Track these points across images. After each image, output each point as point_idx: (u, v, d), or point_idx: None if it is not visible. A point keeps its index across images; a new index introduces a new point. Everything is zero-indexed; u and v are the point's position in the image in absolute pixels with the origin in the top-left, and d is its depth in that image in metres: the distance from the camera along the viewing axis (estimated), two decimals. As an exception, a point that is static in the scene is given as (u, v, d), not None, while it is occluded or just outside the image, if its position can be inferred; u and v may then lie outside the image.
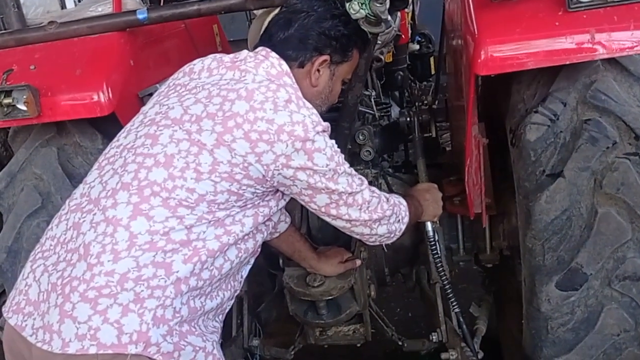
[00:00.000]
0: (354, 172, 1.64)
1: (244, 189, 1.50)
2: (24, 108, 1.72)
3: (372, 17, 1.75)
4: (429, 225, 2.08)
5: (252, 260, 1.68)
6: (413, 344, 2.19)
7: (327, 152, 1.54)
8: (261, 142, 1.47)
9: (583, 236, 1.63)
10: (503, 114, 1.93)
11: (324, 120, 2.40)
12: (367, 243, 1.84)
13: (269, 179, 1.52)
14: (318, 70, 1.67)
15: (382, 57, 1.99)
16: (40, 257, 1.48)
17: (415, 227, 2.33)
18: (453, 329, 2.07)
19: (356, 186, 1.62)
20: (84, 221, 1.44)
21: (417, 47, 3.51)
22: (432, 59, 3.65)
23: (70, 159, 1.95)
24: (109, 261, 1.38)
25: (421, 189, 2.09)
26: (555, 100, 1.68)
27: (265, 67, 1.58)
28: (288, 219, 1.94)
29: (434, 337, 2.12)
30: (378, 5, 1.72)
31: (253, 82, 1.53)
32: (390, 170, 2.49)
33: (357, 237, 1.78)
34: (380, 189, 2.33)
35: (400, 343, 2.20)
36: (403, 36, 2.82)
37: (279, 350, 2.28)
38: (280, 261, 2.18)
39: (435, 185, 2.14)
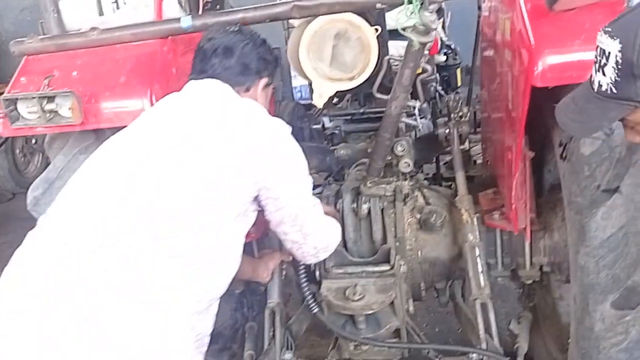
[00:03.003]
0: None
1: (238, 194, 1.55)
2: (68, 114, 1.69)
3: (421, 26, 1.73)
4: None
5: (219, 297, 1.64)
6: (450, 361, 2.13)
7: (300, 154, 1.68)
8: (248, 145, 1.56)
9: (640, 254, 1.58)
10: (550, 127, 1.89)
11: (366, 131, 2.39)
12: (301, 260, 1.92)
13: (258, 179, 1.57)
14: (261, 93, 1.81)
15: (428, 67, 1.96)
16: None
17: (452, 242, 2.30)
18: (495, 347, 2.02)
19: (315, 199, 1.75)
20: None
21: (443, 58, 3.49)
22: (458, 71, 3.64)
23: (108, 166, 1.91)
24: None
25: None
26: (610, 114, 1.64)
27: (218, 89, 1.69)
28: None
29: (473, 356, 2.06)
30: (428, 14, 1.70)
31: (216, 101, 1.65)
32: (425, 182, 2.46)
33: (297, 253, 1.83)
34: (416, 201, 2.32)
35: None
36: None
37: (312, 364, 2.24)
38: (317, 273, 2.14)
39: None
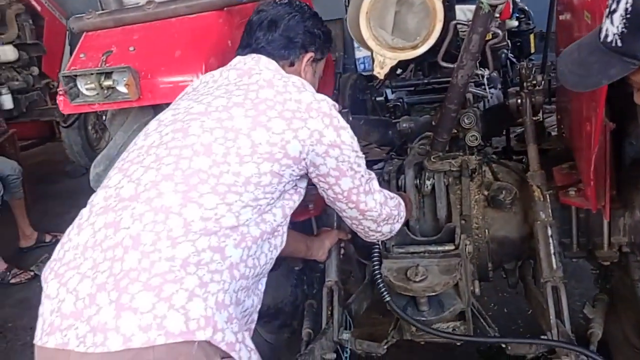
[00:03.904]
0: None
1: (284, 170, 1.51)
2: (125, 90, 1.68)
3: (491, -12, 1.60)
4: None
5: (266, 274, 1.62)
6: (518, 347, 2.00)
7: (349, 130, 1.61)
8: (295, 120, 1.52)
9: None
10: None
11: (430, 103, 2.29)
12: (365, 239, 1.90)
13: (304, 157, 1.54)
14: (305, 68, 1.75)
15: (498, 32, 1.82)
16: (66, 269, 1.36)
17: (523, 220, 2.17)
18: (566, 333, 1.89)
19: (368, 174, 1.69)
20: (121, 218, 1.36)
21: (515, 23, 3.29)
22: (531, 37, 3.42)
23: (167, 142, 1.91)
24: (167, 247, 1.31)
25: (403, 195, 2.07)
26: None
27: (263, 64, 1.65)
28: None
29: None
30: (498, -26, 1.56)
31: (264, 73, 1.61)
32: (494, 156, 2.32)
33: (360, 231, 1.83)
34: (484, 177, 2.20)
35: (504, 345, 2.03)
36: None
37: (371, 344, 2.16)
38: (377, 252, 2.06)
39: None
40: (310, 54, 1.75)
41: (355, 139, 1.64)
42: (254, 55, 1.67)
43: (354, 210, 1.71)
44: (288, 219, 1.62)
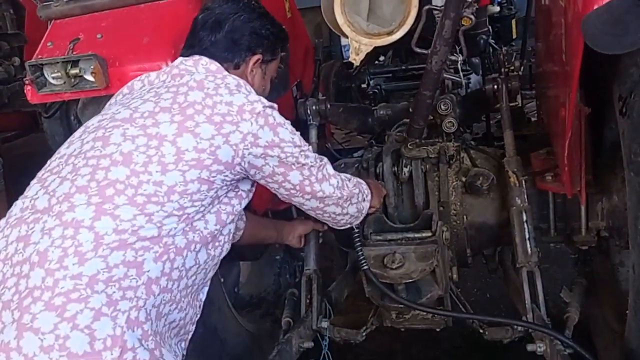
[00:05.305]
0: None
1: (214, 176, 1.45)
2: (92, 79, 1.65)
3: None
4: None
5: (209, 283, 1.58)
6: (495, 332, 2.00)
7: (287, 126, 1.56)
8: (226, 124, 1.46)
9: None
10: (609, 80, 1.70)
11: (409, 89, 2.25)
12: (336, 227, 1.86)
13: (239, 161, 1.49)
14: (252, 70, 1.68)
15: (472, 17, 1.80)
16: None
17: (501, 206, 2.16)
18: (541, 318, 1.89)
19: (319, 160, 1.66)
20: (32, 232, 1.32)
21: (497, 9, 3.27)
22: (513, 22, 3.40)
23: (140, 132, 1.87)
24: (74, 264, 1.26)
25: (368, 180, 2.05)
26: (678, 63, 1.44)
27: (203, 64, 1.59)
28: (243, 224, 1.92)
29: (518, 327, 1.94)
30: (469, -43, 1.54)
31: (198, 73, 1.55)
32: (472, 143, 2.31)
33: (328, 219, 1.80)
34: (462, 163, 2.19)
35: (481, 330, 2.03)
36: (484, -4, 2.61)
37: (350, 332, 2.15)
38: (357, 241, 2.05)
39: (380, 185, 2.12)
40: (257, 56, 1.68)
41: (297, 133, 1.59)
42: (196, 56, 1.60)
43: (313, 201, 1.67)
44: (230, 226, 1.56)
